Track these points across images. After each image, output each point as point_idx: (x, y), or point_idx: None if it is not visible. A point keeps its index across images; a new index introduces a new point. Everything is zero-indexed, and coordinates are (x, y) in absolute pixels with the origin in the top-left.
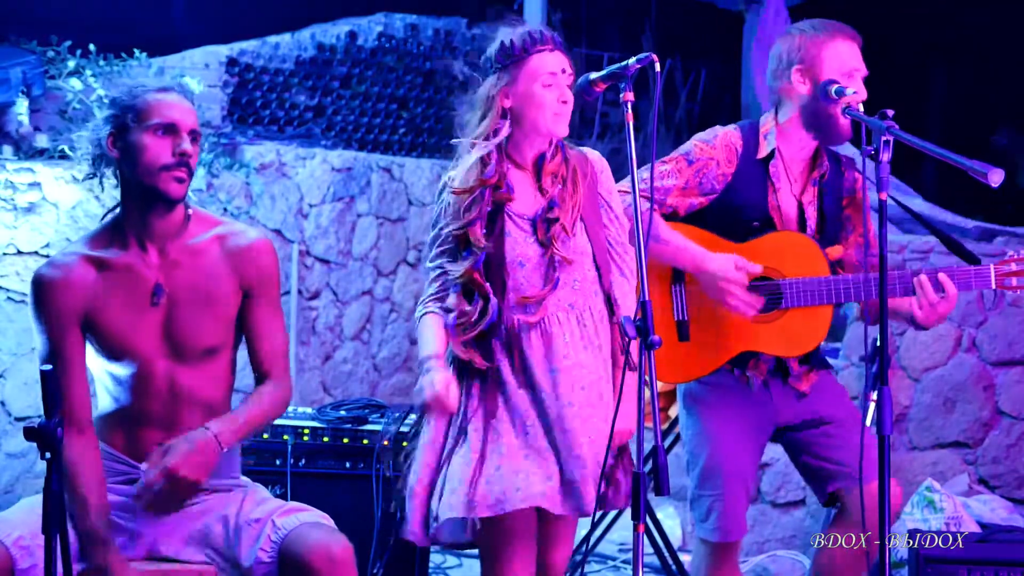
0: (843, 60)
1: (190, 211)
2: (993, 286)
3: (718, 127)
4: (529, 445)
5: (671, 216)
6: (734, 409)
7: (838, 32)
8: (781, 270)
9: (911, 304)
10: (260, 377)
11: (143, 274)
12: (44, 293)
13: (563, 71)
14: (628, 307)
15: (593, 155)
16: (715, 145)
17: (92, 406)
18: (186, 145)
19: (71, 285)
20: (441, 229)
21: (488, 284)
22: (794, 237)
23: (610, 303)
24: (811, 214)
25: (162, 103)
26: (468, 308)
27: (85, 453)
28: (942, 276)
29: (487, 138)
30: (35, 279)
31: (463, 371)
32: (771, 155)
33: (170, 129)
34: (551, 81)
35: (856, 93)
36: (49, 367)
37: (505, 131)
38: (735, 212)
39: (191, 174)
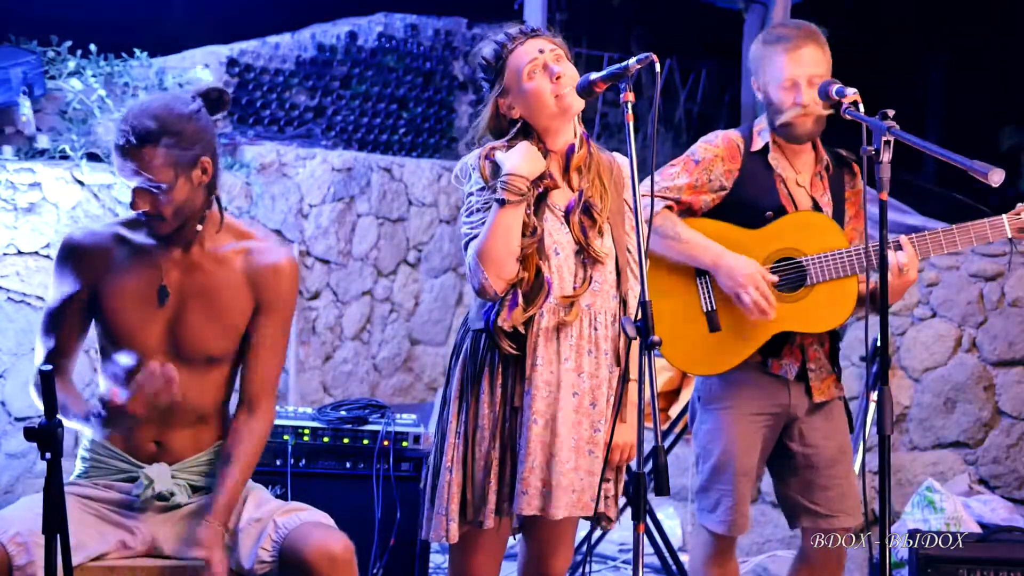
0: (778, 71)
1: (224, 222)
2: (1009, 235)
3: (719, 130)
4: (522, 447)
5: (687, 213)
6: (751, 407)
7: (778, 42)
8: (802, 249)
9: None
10: (243, 400)
11: (161, 269)
12: (69, 253)
13: (541, 51)
14: None
15: (622, 159)
16: (718, 144)
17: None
18: (143, 203)
19: (95, 254)
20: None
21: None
22: (809, 216)
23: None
24: (825, 202)
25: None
26: (528, 278)
27: (65, 387)
28: (903, 239)
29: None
30: (65, 241)
31: (482, 366)
32: (766, 148)
33: (136, 184)
34: (532, 69)
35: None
36: (49, 367)
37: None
38: (749, 205)
39: (169, 213)
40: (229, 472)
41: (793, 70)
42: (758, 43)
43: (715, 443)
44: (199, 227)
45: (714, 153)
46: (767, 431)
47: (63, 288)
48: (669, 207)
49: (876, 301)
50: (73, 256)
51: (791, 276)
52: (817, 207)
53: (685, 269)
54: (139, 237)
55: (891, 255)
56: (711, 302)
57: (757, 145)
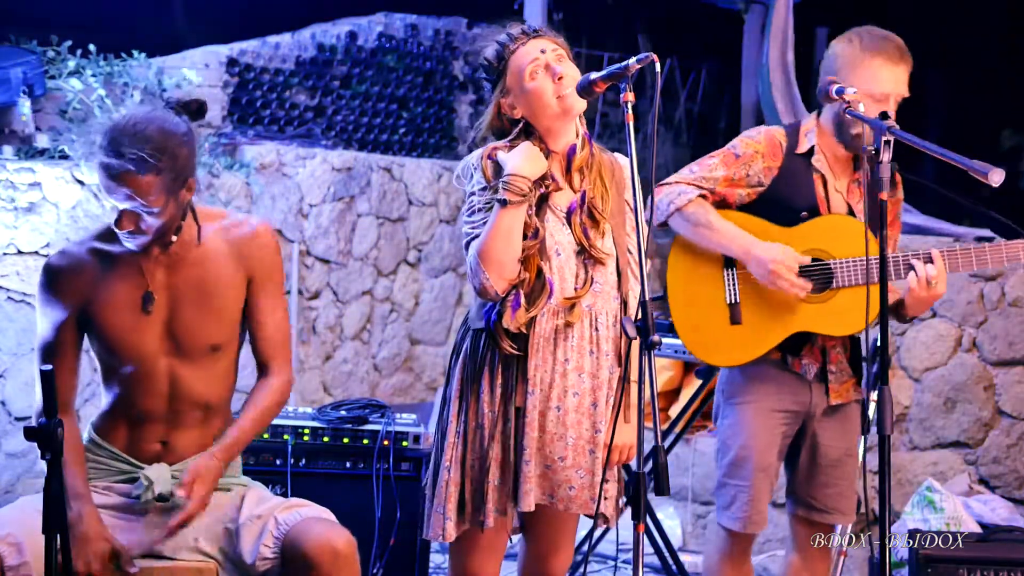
0: (873, 82)
1: (196, 213)
2: None
3: (762, 126)
4: (526, 446)
5: (721, 205)
6: (772, 404)
7: (880, 52)
8: (831, 252)
9: (904, 291)
10: (260, 367)
11: (144, 274)
12: (51, 280)
13: (542, 51)
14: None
15: (623, 160)
16: (760, 140)
17: (76, 389)
18: (129, 223)
19: (77, 275)
20: (482, 203)
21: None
22: (841, 220)
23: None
24: (860, 209)
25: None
26: (529, 279)
27: (67, 426)
28: (935, 252)
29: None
30: (45, 266)
31: (482, 366)
32: (811, 151)
33: (127, 207)
34: (534, 69)
35: (859, 100)
36: (49, 367)
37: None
38: (784, 204)
39: (152, 232)
40: (240, 419)
41: (892, 86)
42: (853, 44)
43: (734, 438)
44: (174, 237)
45: (755, 149)
46: (787, 428)
47: (52, 316)
48: (703, 196)
49: (899, 312)
50: (56, 281)
51: (818, 277)
52: (851, 213)
53: (712, 260)
54: (116, 248)
55: (920, 267)
56: (735, 295)
57: (803, 147)
